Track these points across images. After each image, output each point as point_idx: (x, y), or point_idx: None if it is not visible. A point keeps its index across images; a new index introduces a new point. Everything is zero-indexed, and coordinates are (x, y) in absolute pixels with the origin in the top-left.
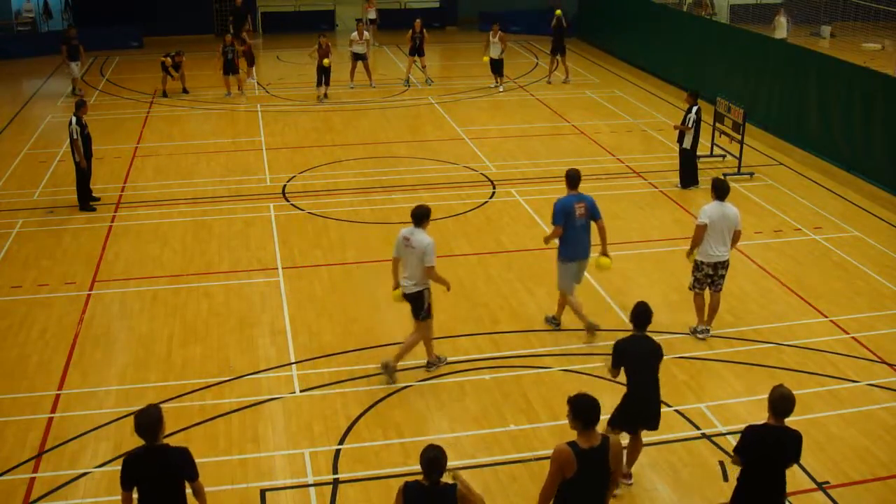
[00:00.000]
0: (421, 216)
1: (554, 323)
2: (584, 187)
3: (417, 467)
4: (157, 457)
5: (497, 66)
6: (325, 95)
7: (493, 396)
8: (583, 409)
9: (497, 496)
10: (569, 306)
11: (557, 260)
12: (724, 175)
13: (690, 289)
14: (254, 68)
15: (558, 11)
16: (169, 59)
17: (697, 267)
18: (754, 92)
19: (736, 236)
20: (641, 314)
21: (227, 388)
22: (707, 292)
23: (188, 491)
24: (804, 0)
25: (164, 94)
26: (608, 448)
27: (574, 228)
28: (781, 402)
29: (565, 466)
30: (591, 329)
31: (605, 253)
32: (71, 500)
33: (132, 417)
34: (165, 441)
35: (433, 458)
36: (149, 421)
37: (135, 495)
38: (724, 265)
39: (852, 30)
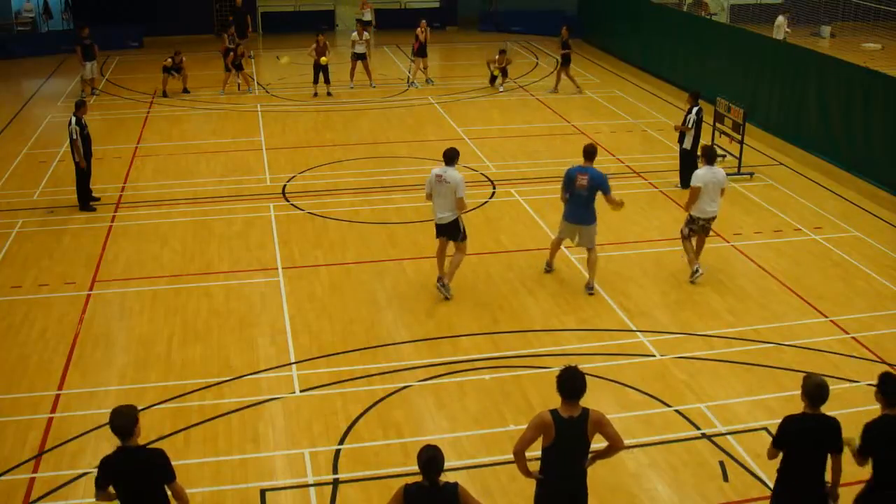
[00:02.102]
0: (452, 156)
1: (547, 267)
2: None
3: (417, 467)
4: (133, 458)
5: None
6: (329, 93)
7: (493, 396)
8: (562, 381)
9: (497, 496)
10: (551, 244)
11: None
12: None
13: (682, 235)
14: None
15: (564, 31)
16: (169, 61)
17: (692, 220)
18: (754, 92)
19: (722, 193)
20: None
21: (227, 389)
22: (695, 240)
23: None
24: (804, 0)
25: (164, 94)
26: (587, 420)
27: (574, 196)
28: (817, 390)
29: (544, 430)
30: (549, 266)
31: (613, 203)
32: (71, 500)
33: (144, 409)
34: (151, 444)
35: (431, 457)
36: (123, 421)
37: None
38: (714, 219)
39: (852, 30)
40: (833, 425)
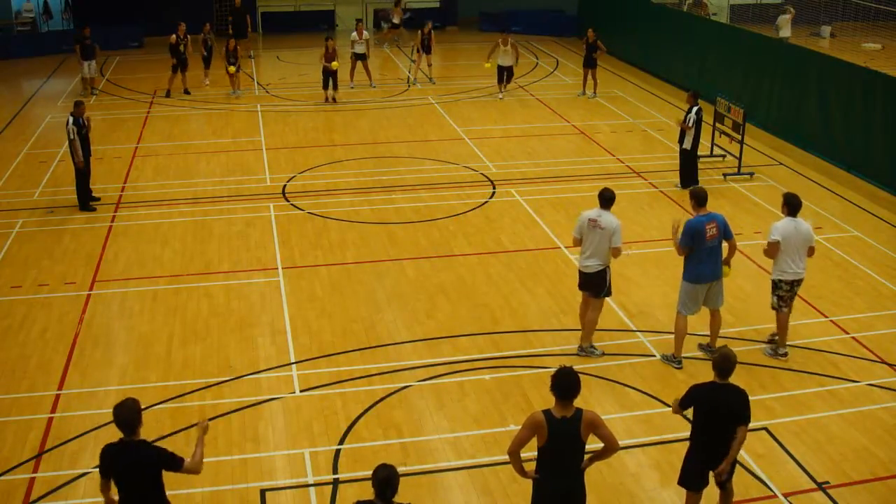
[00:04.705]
0: (610, 199)
1: (708, 350)
2: (582, 188)
3: (418, 467)
4: (133, 452)
5: (505, 75)
6: (334, 99)
7: (493, 396)
8: (556, 381)
9: (497, 496)
10: (676, 328)
11: (682, 279)
12: (725, 175)
13: (774, 308)
14: (209, 70)
15: (590, 32)
16: (174, 37)
17: (776, 286)
18: (754, 92)
19: (810, 252)
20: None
21: (227, 388)
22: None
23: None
24: (804, 0)
25: (168, 94)
26: (581, 420)
27: (703, 250)
28: (723, 362)
29: (537, 430)
30: (675, 362)
31: (726, 262)
32: (71, 500)
33: (144, 409)
34: (153, 440)
35: (387, 477)
36: (127, 414)
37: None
38: (800, 283)
39: (852, 30)
40: (740, 395)
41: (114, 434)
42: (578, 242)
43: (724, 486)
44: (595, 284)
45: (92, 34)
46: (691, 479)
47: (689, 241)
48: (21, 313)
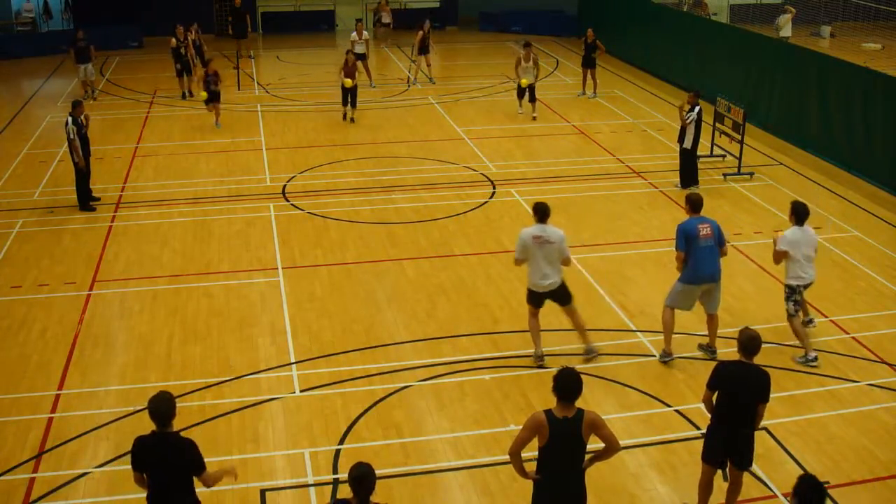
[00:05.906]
0: (547, 211)
1: (708, 350)
2: (582, 188)
3: (418, 467)
4: (165, 444)
5: (527, 92)
6: (352, 119)
7: (493, 396)
8: (558, 382)
9: (497, 496)
10: (662, 320)
11: (678, 279)
12: (725, 175)
13: (791, 314)
14: (200, 68)
15: (589, 32)
16: (174, 41)
17: (794, 291)
18: (754, 92)
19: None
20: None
21: (227, 388)
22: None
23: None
24: (804, 0)
25: (184, 96)
26: (582, 421)
27: (698, 249)
28: (750, 342)
29: (538, 430)
30: (664, 356)
31: None
32: (71, 500)
33: (144, 409)
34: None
35: (359, 475)
36: (163, 407)
37: None
38: (810, 284)
39: (852, 30)
40: (762, 376)
41: (114, 434)
42: (522, 263)
43: (742, 466)
44: (563, 296)
45: (87, 35)
46: (711, 454)
47: (683, 244)
48: (21, 313)
